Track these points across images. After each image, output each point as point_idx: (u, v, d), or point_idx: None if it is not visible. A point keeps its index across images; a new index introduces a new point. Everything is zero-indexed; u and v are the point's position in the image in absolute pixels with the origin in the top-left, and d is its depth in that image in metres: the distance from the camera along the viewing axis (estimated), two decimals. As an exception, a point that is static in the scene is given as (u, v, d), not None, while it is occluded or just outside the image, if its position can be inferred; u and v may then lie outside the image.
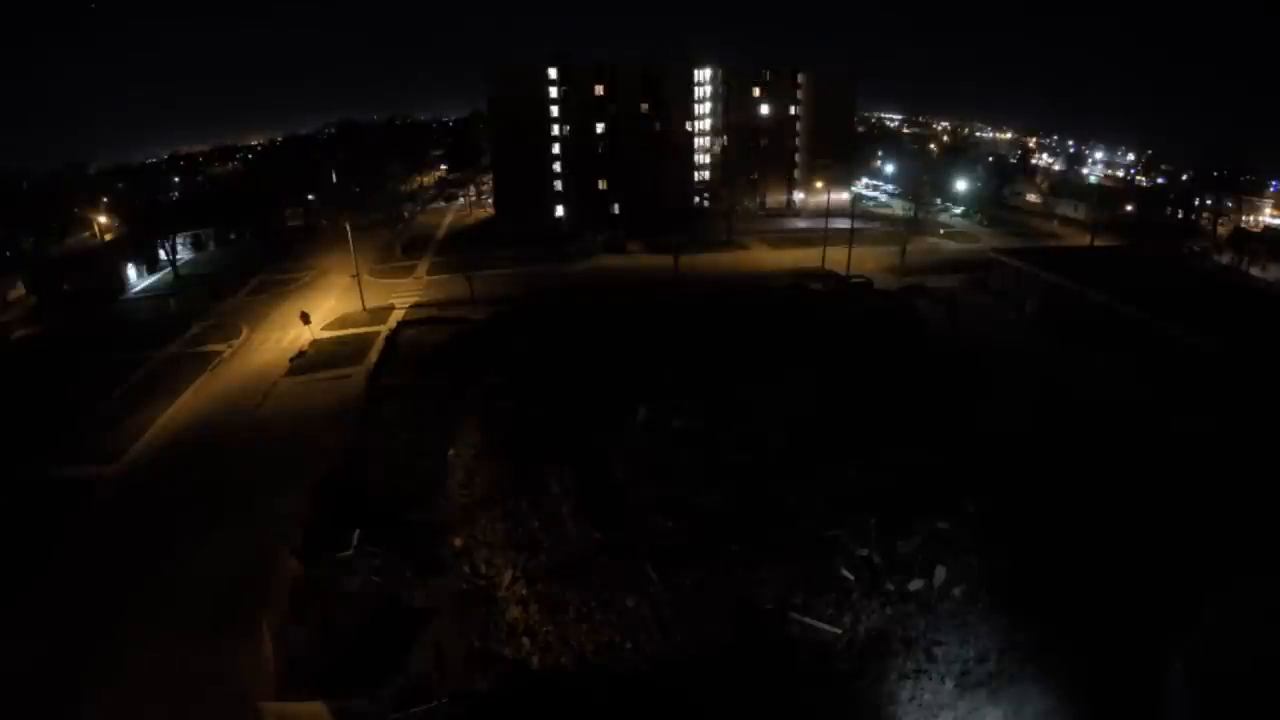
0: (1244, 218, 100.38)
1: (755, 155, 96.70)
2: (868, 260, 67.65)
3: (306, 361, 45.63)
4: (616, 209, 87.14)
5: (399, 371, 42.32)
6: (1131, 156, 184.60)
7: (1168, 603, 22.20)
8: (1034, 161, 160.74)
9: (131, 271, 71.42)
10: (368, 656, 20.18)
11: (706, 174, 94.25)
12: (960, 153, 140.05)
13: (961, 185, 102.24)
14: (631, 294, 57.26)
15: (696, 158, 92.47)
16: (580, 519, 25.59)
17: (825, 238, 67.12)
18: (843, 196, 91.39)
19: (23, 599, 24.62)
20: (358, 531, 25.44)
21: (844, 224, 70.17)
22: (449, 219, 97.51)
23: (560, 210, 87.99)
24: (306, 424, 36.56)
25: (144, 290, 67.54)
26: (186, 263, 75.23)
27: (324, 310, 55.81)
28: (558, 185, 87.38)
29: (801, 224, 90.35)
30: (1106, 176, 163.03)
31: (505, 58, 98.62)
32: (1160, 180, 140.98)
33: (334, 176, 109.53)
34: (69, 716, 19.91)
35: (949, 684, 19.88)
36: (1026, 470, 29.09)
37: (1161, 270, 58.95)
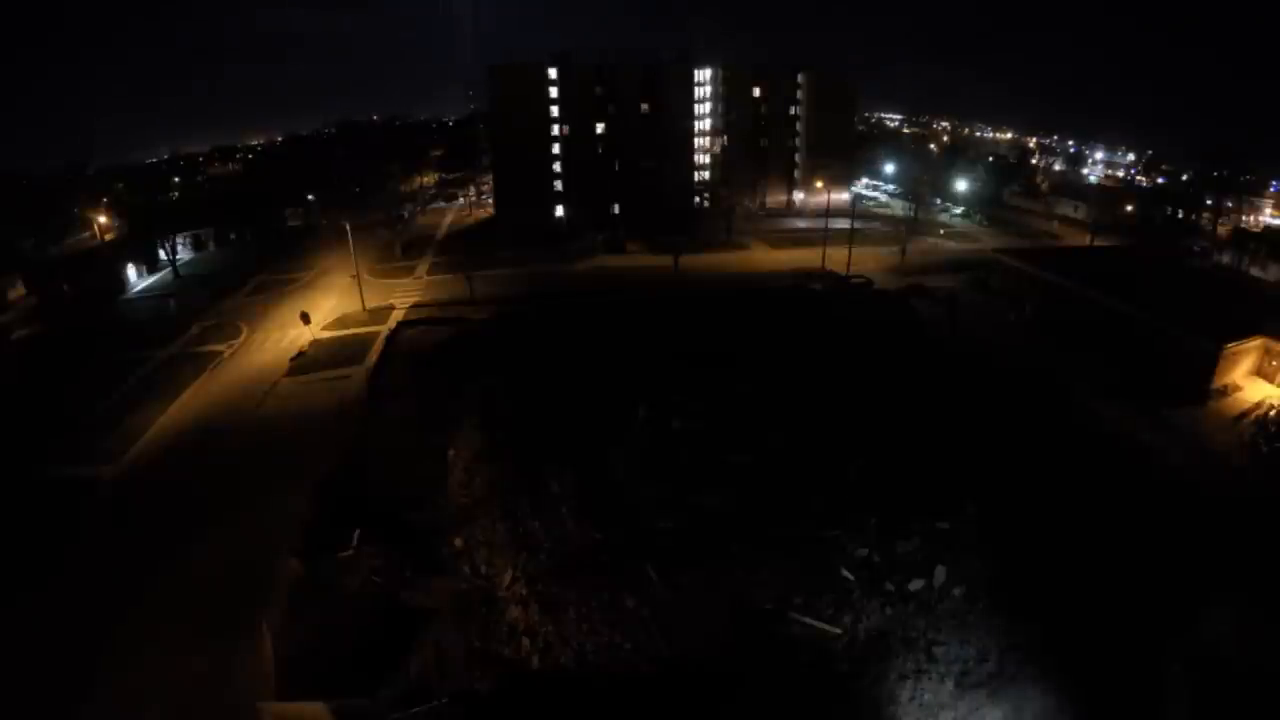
0: (1244, 218, 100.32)
1: (755, 155, 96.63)
2: (868, 260, 67.61)
3: (306, 361, 45.61)
4: (616, 209, 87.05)
5: (399, 371, 42.31)
6: (1131, 156, 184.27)
7: (1168, 603, 22.21)
8: (1034, 161, 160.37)
9: (131, 271, 71.35)
10: (368, 656, 20.16)
11: (706, 174, 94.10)
12: (960, 153, 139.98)
13: (961, 185, 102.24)
14: (632, 294, 57.27)
15: (696, 158, 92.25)
16: (580, 519, 25.61)
17: (825, 238, 67.09)
18: (843, 196, 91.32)
19: (23, 598, 24.61)
20: (358, 531, 25.46)
21: (844, 224, 70.14)
22: (449, 219, 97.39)
23: (560, 210, 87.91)
24: (306, 424, 36.56)
25: (144, 290, 67.44)
26: (186, 263, 75.10)
27: (324, 310, 55.77)
28: (558, 185, 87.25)
29: (801, 224, 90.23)
30: (1106, 176, 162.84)
31: (506, 57, 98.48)
32: (1160, 180, 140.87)
33: (334, 176, 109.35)
34: (70, 716, 19.93)
35: (949, 684, 19.89)
36: (1026, 470, 29.09)
37: (1162, 270, 58.90)
